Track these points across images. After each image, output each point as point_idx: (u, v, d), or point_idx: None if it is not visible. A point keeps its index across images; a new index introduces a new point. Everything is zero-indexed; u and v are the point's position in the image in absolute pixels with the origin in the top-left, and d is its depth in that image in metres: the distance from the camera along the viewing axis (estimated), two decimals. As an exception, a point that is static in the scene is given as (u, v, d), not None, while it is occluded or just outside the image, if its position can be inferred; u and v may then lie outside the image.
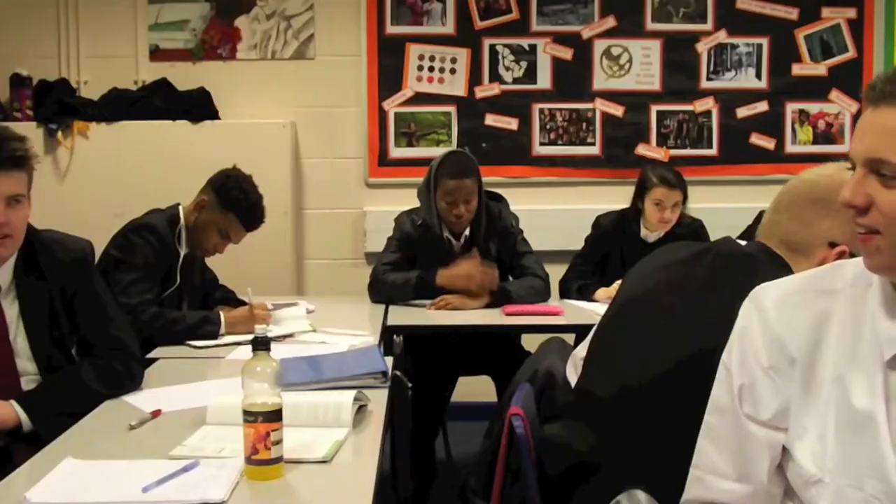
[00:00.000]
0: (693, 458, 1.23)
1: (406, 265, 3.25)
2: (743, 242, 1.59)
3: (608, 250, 3.45)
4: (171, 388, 2.03)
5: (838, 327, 1.14)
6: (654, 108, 4.27)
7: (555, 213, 4.20)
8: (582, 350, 1.72)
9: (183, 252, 2.81)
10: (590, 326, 1.77)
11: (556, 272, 3.48)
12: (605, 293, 3.22)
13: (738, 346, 1.19)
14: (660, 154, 4.28)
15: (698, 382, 1.25)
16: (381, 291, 3.21)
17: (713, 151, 4.29)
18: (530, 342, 2.93)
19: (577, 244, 3.55)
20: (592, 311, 3.08)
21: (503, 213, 3.35)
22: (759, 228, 1.57)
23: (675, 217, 3.33)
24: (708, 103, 4.27)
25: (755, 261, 1.49)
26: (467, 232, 3.28)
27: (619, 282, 3.11)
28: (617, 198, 3.65)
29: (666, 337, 1.48)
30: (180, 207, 2.83)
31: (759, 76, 4.27)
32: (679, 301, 1.52)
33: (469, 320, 3.02)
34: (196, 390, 2.00)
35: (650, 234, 3.41)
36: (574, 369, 1.71)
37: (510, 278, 3.33)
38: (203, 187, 2.84)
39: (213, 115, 4.04)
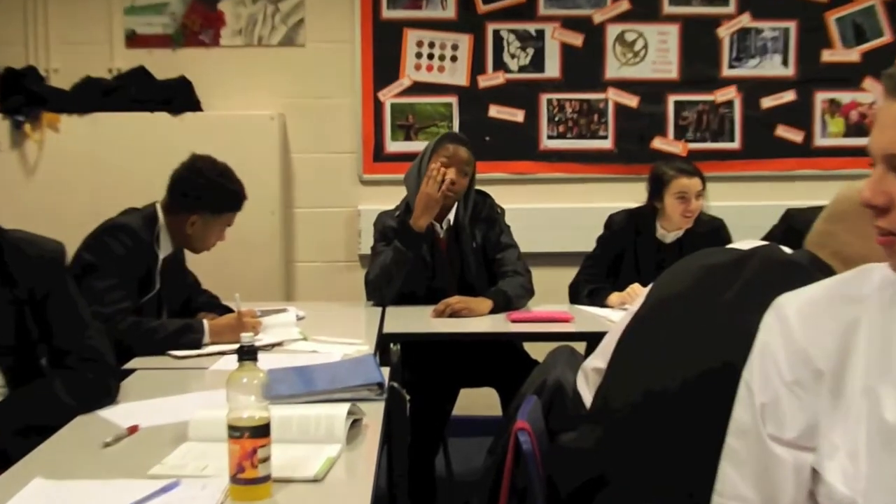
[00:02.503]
0: (715, 484, 1.22)
1: None
2: (789, 250, 1.59)
3: (621, 252, 3.45)
4: (150, 401, 2.03)
5: (867, 336, 1.13)
6: (672, 99, 4.27)
7: (564, 211, 4.21)
8: (594, 360, 1.71)
9: (162, 255, 2.81)
10: (601, 334, 1.77)
11: (565, 275, 3.50)
12: (619, 298, 3.23)
13: (760, 361, 1.19)
14: (677, 148, 4.28)
15: (728, 396, 1.25)
16: (379, 287, 3.25)
17: (735, 145, 4.29)
18: (537, 351, 2.93)
19: (588, 245, 3.55)
20: (604, 317, 3.08)
21: (488, 201, 3.43)
22: (810, 236, 1.57)
23: (700, 208, 3.34)
24: (730, 93, 4.28)
25: (803, 271, 1.48)
26: (451, 216, 3.33)
27: (634, 286, 3.19)
28: (631, 195, 3.65)
29: (697, 345, 1.48)
30: (158, 206, 2.83)
31: (785, 63, 4.28)
32: (715, 309, 1.51)
33: (472, 328, 3.03)
34: (177, 404, 2.00)
35: (667, 234, 3.41)
36: (585, 380, 1.71)
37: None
38: (173, 197, 2.81)
39: (194, 106, 4.05)
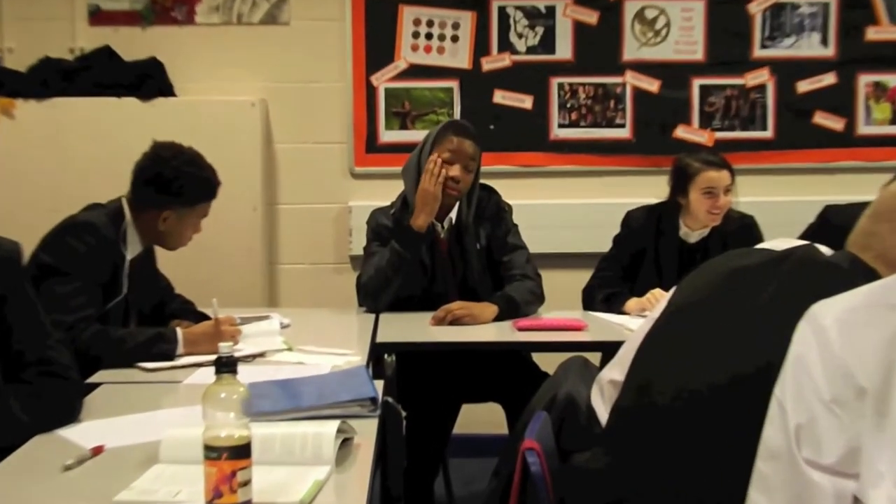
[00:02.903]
0: None
1: None
2: (828, 251, 1.59)
3: (640, 253, 3.45)
4: (117, 419, 2.03)
5: (915, 348, 1.14)
6: (697, 83, 4.27)
7: (576, 208, 4.21)
8: (610, 371, 1.72)
9: (129, 255, 2.80)
10: (618, 343, 1.78)
11: (577, 279, 3.50)
12: (637, 304, 3.23)
13: (793, 377, 1.18)
14: (703, 137, 4.28)
15: (763, 413, 1.24)
16: (373, 292, 3.25)
17: (768, 134, 4.29)
18: (547, 362, 2.93)
19: (603, 245, 3.55)
20: (622, 325, 3.08)
21: (493, 198, 3.43)
22: (851, 237, 1.57)
23: (728, 203, 3.34)
24: (762, 76, 4.28)
25: (844, 275, 1.47)
26: (453, 215, 3.33)
27: (654, 291, 3.18)
28: (651, 190, 3.65)
29: (725, 356, 1.48)
30: (124, 201, 2.83)
31: (825, 42, 4.27)
32: (745, 316, 1.51)
33: (475, 337, 3.03)
34: (147, 421, 2.00)
35: (692, 232, 3.41)
36: (600, 394, 1.72)
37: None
38: (138, 190, 2.81)
39: (166, 91, 4.05)
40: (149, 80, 4.02)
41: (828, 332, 1.17)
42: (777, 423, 1.19)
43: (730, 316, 1.53)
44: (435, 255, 3.33)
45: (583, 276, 3.51)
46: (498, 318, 3.16)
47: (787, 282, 1.52)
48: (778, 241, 1.69)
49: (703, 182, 3.32)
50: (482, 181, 3.41)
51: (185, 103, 4.03)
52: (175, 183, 2.78)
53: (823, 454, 1.14)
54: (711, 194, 3.31)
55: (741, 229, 3.39)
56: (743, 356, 1.45)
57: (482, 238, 3.35)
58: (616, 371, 1.71)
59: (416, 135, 3.81)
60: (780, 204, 4.08)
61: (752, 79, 4.28)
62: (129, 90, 3.99)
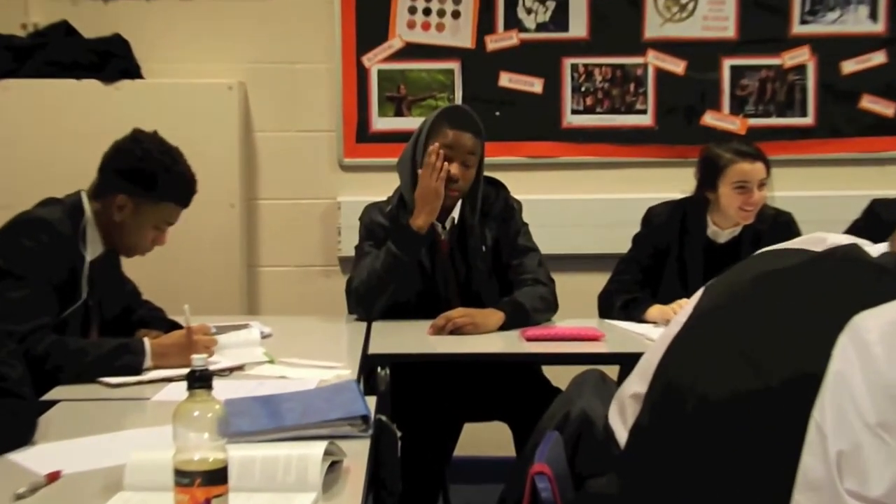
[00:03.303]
0: None
1: None
2: (876, 249, 1.57)
3: (663, 254, 3.45)
4: (76, 441, 2.02)
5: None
6: (728, 63, 4.27)
7: (592, 204, 4.22)
8: (631, 384, 1.71)
9: (90, 256, 2.80)
10: (638, 356, 1.77)
11: (593, 283, 3.50)
12: (661, 312, 3.22)
13: (834, 398, 1.18)
14: (734, 124, 4.27)
15: (796, 425, 1.23)
16: (366, 298, 3.26)
17: (808, 120, 4.29)
18: (559, 376, 2.92)
19: (622, 246, 3.55)
20: (643, 335, 3.08)
21: (502, 193, 3.43)
22: None
23: (763, 200, 3.34)
24: (802, 55, 4.28)
25: (893, 278, 1.46)
26: (456, 213, 3.32)
27: (681, 301, 3.17)
28: (675, 183, 3.65)
29: (756, 363, 1.47)
30: (84, 195, 2.82)
31: (873, 16, 4.27)
32: (779, 322, 1.50)
33: (478, 348, 3.02)
34: (109, 443, 1.99)
35: (721, 231, 3.41)
36: (620, 411, 1.71)
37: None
38: (104, 177, 2.80)
39: (132, 72, 4.05)
40: (112, 60, 4.01)
41: (872, 348, 1.16)
42: (816, 450, 1.18)
43: (760, 325, 1.52)
44: (435, 256, 3.32)
45: (599, 280, 3.50)
46: (504, 327, 3.15)
47: (825, 287, 1.51)
48: (815, 236, 1.68)
49: (735, 175, 3.31)
50: (488, 174, 3.40)
51: (153, 86, 4.03)
52: (147, 172, 2.76)
53: (870, 485, 1.14)
54: (744, 189, 3.30)
55: (777, 228, 3.39)
56: (775, 370, 1.43)
57: (488, 238, 3.34)
58: (637, 384, 1.71)
59: (413, 122, 3.81)
60: (821, 199, 4.08)
61: (790, 58, 4.28)
62: (89, 71, 3.98)
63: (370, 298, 3.25)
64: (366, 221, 3.38)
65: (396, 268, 3.20)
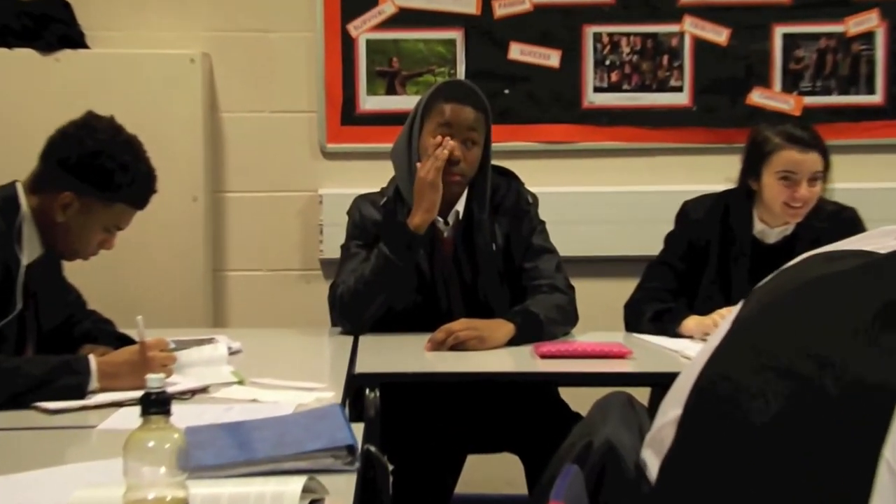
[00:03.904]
0: None
1: None
2: None
3: (701, 257, 3.44)
4: (7, 478, 2.01)
5: None
6: (779, 31, 4.28)
7: (617, 198, 4.23)
8: (668, 411, 1.70)
9: (26, 259, 2.80)
10: (673, 376, 1.76)
11: (619, 290, 3.50)
12: (699, 325, 3.21)
13: None
14: (787, 104, 4.28)
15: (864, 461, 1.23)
16: (352, 308, 3.26)
17: (876, 99, 4.30)
18: (579, 399, 2.93)
19: (652, 247, 3.55)
20: (678, 352, 3.06)
21: (514, 186, 3.43)
22: None
23: (815, 197, 3.31)
24: (869, 20, 4.28)
25: None
26: (460, 207, 3.31)
27: (723, 311, 3.16)
28: (716, 173, 3.65)
29: (806, 386, 1.46)
30: (19, 187, 2.82)
31: (953, -25, 4.28)
32: (835, 336, 1.50)
33: (484, 366, 3.01)
34: (49, 480, 1.97)
35: (770, 230, 3.40)
36: (653, 443, 1.71)
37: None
38: (47, 168, 2.80)
39: (75, 40, 4.05)
40: (50, 26, 4.02)
41: None
42: (889, 495, 1.18)
43: (812, 339, 1.52)
44: (435, 258, 3.32)
45: (625, 288, 3.51)
46: (514, 341, 3.14)
47: (889, 296, 1.50)
48: (880, 232, 1.67)
49: (781, 163, 3.28)
50: (496, 162, 3.41)
51: (99, 58, 4.04)
52: (101, 168, 2.75)
53: None
54: (789, 181, 3.27)
55: (839, 226, 3.35)
56: (831, 393, 1.43)
57: (499, 237, 3.34)
58: (673, 409, 1.70)
59: (408, 102, 3.81)
60: (891, 192, 4.07)
61: (854, 25, 4.28)
62: (22, 39, 4.00)
63: (357, 308, 3.25)
64: (355, 216, 3.38)
65: (388, 274, 3.20)
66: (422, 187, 3.19)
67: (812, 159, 3.28)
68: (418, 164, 3.21)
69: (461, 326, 3.12)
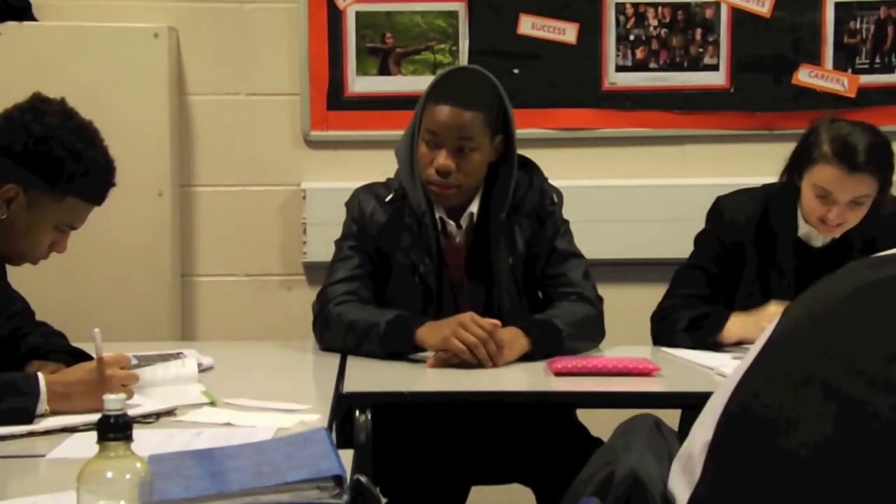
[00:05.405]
0: None
1: (371, 280, 3.30)
2: None
3: (737, 260, 3.43)
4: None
5: None
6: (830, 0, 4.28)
7: (642, 192, 4.25)
8: (699, 435, 1.71)
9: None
10: (706, 396, 1.76)
11: (645, 298, 3.51)
12: (745, 326, 3.21)
13: None
14: (840, 84, 4.28)
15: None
16: (333, 333, 3.23)
17: (945, 81, 4.31)
18: (599, 423, 2.92)
19: (682, 249, 3.55)
20: (713, 368, 3.05)
21: (536, 181, 3.39)
22: None
23: (856, 220, 3.27)
24: (936, -13, 4.29)
25: None
26: (475, 208, 3.30)
27: (769, 306, 3.15)
28: (756, 164, 3.66)
29: (852, 406, 1.47)
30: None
31: None
32: (884, 349, 1.50)
33: (491, 384, 3.00)
34: (-12, 515, 2.00)
35: (817, 232, 3.38)
36: (684, 471, 1.71)
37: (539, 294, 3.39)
38: None
39: (20, 11, 4.06)
40: (-4, -3, 4.04)
41: None
42: None
43: (859, 354, 1.52)
44: (443, 267, 3.30)
45: (651, 295, 3.52)
46: (529, 356, 3.14)
47: None
48: None
49: (819, 177, 3.21)
50: (524, 149, 3.38)
51: (49, 31, 4.05)
52: (50, 157, 2.75)
53: None
54: (823, 200, 3.23)
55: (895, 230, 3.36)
56: (884, 415, 1.43)
57: (519, 243, 3.32)
58: (705, 433, 1.70)
59: (403, 83, 3.82)
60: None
61: (918, -6, 4.29)
62: (-34, 12, 4.01)
63: (338, 345, 3.24)
64: (354, 211, 3.35)
65: (370, 353, 3.17)
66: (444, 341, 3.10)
67: (857, 182, 3.21)
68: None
69: (470, 323, 3.04)
